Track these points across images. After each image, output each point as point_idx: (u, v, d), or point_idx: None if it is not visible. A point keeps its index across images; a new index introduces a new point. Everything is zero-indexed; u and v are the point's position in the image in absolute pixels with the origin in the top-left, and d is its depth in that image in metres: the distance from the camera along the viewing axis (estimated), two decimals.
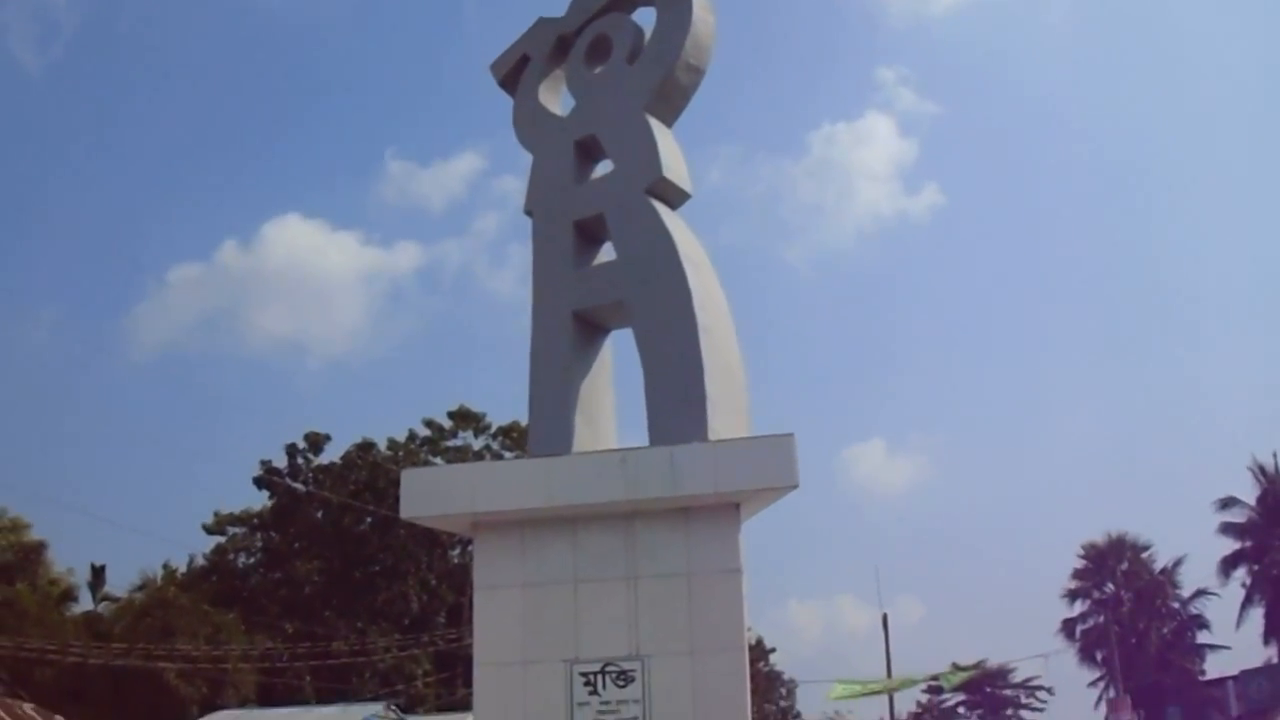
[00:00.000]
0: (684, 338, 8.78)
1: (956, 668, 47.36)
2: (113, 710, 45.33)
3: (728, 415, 8.95)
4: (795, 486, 8.30)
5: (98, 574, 57.85)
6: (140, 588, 56.79)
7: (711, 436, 8.52)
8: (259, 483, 60.55)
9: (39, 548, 55.55)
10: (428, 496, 8.73)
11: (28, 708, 29.74)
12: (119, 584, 58.15)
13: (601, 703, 8.08)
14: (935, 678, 50.74)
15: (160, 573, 60.08)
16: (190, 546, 63.70)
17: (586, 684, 8.15)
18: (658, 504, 8.40)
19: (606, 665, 8.18)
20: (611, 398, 9.94)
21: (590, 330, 9.45)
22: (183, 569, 62.08)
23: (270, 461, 60.38)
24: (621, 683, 8.10)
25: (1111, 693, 58.67)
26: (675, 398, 8.75)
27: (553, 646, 8.26)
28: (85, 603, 56.71)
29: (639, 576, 8.35)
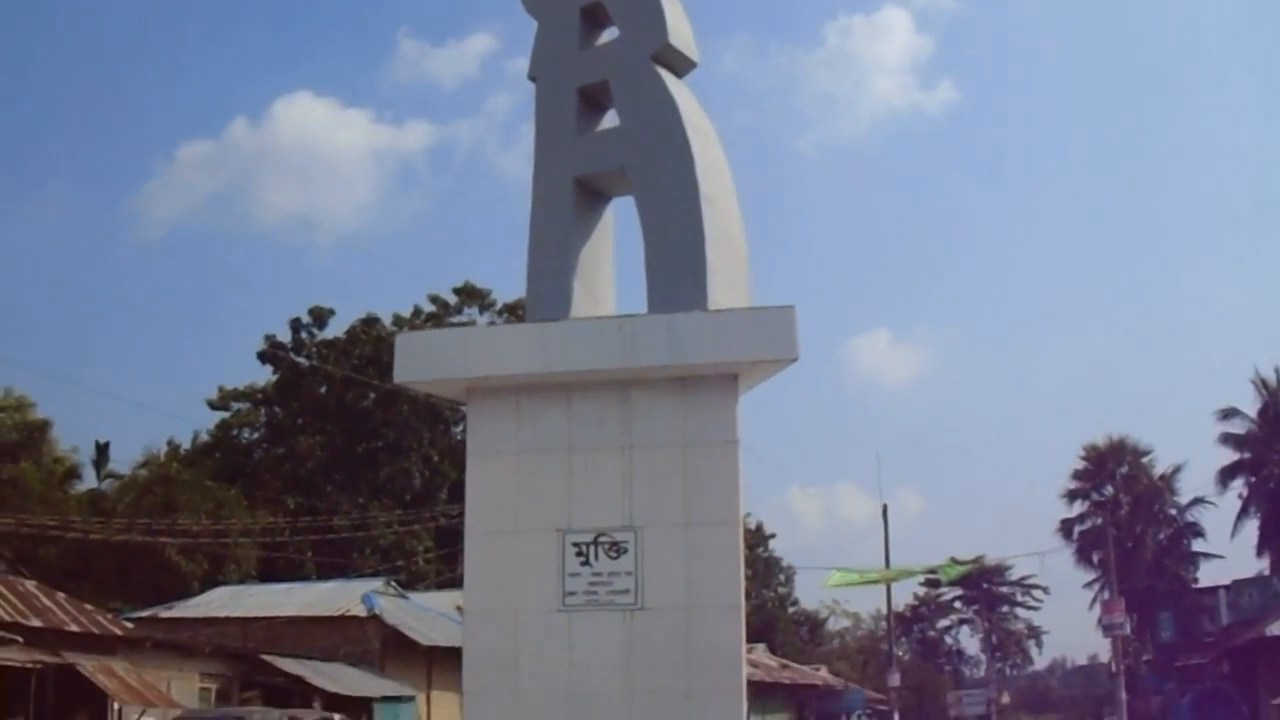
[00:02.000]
0: (686, 205, 8.52)
1: (954, 562, 47.70)
2: (115, 587, 45.69)
3: (728, 287, 8.73)
4: (795, 359, 8.11)
5: (102, 451, 57.99)
6: (144, 465, 56.98)
7: (711, 307, 8.30)
8: (263, 357, 60.53)
9: (43, 426, 55.64)
10: (421, 360, 8.55)
11: (30, 585, 29.88)
12: (124, 462, 58.38)
13: (593, 574, 7.97)
14: (933, 570, 51.15)
15: (164, 450, 60.31)
16: (196, 423, 63.94)
17: (579, 554, 8.03)
18: (655, 373, 8.21)
19: (599, 536, 8.06)
20: (611, 269, 9.71)
21: (591, 198, 9.19)
22: (187, 446, 62.33)
23: (275, 336, 60.28)
24: (614, 554, 7.98)
25: (1106, 594, 59.22)
26: (676, 266, 8.52)
27: (545, 515, 8.12)
28: (89, 481, 56.90)
29: (634, 446, 8.18)
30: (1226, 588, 48.08)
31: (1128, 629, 51.81)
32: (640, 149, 8.87)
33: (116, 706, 27.40)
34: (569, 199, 8.98)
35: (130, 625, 33.08)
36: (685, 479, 8.06)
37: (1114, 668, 51.85)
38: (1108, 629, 51.56)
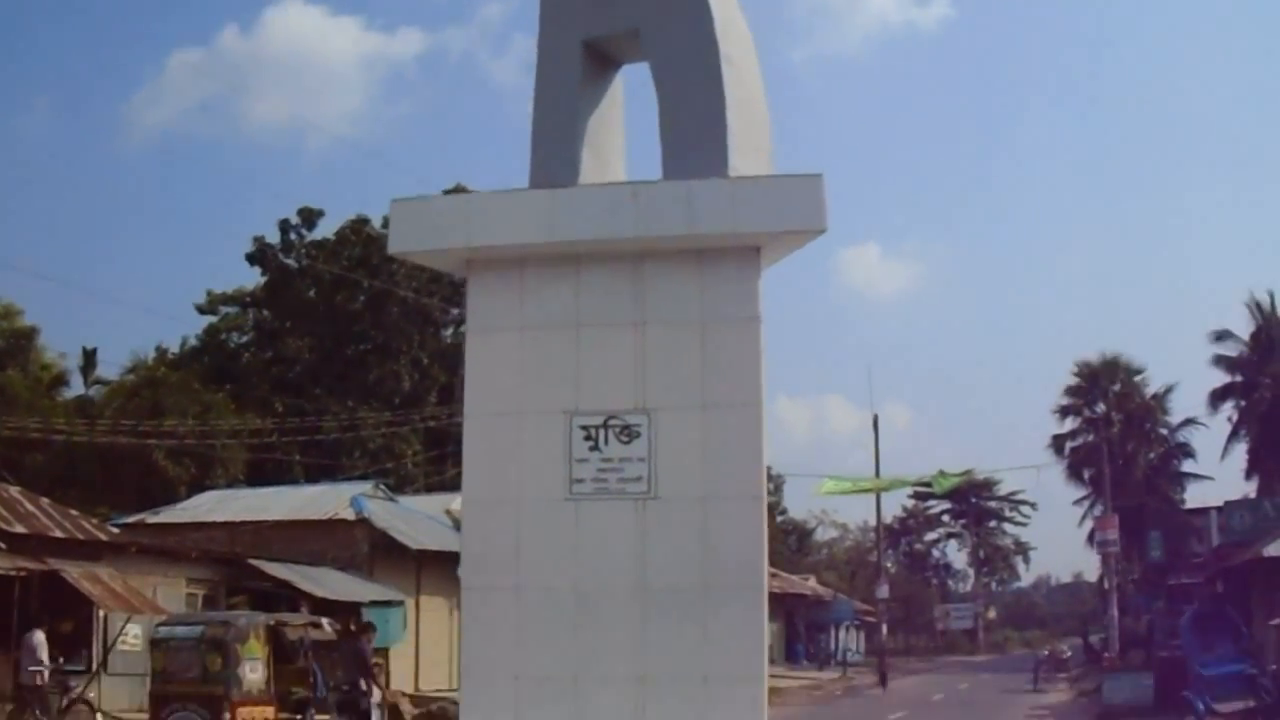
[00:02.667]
0: (705, 66, 7.79)
1: (944, 474, 47.47)
2: (102, 492, 45.42)
3: (750, 154, 8.03)
4: (823, 231, 7.45)
5: (89, 357, 57.51)
6: (131, 370, 56.46)
7: (732, 174, 7.60)
8: (251, 259, 59.77)
9: (30, 334, 55.09)
10: (418, 229, 7.84)
11: (14, 491, 29.39)
12: (113, 369, 57.89)
13: (603, 459, 7.33)
14: (926, 481, 50.90)
15: (152, 355, 59.76)
16: (185, 329, 63.40)
17: (587, 438, 7.39)
18: (671, 243, 7.52)
19: (609, 418, 7.40)
20: (622, 142, 8.99)
21: (601, 63, 8.44)
22: (176, 351, 61.77)
23: (264, 238, 59.45)
24: (625, 438, 7.34)
25: (1098, 510, 59.11)
26: (693, 131, 7.80)
27: (551, 396, 7.46)
28: (78, 388, 56.52)
29: (647, 322, 7.51)
30: (1218, 509, 48.13)
31: (1119, 546, 51.78)
32: (655, 8, 8.13)
33: (102, 614, 27.04)
34: (577, 63, 8.24)
35: (116, 531, 32.71)
36: (703, 358, 7.40)
37: (1105, 584, 51.92)
38: (1100, 545, 51.67)
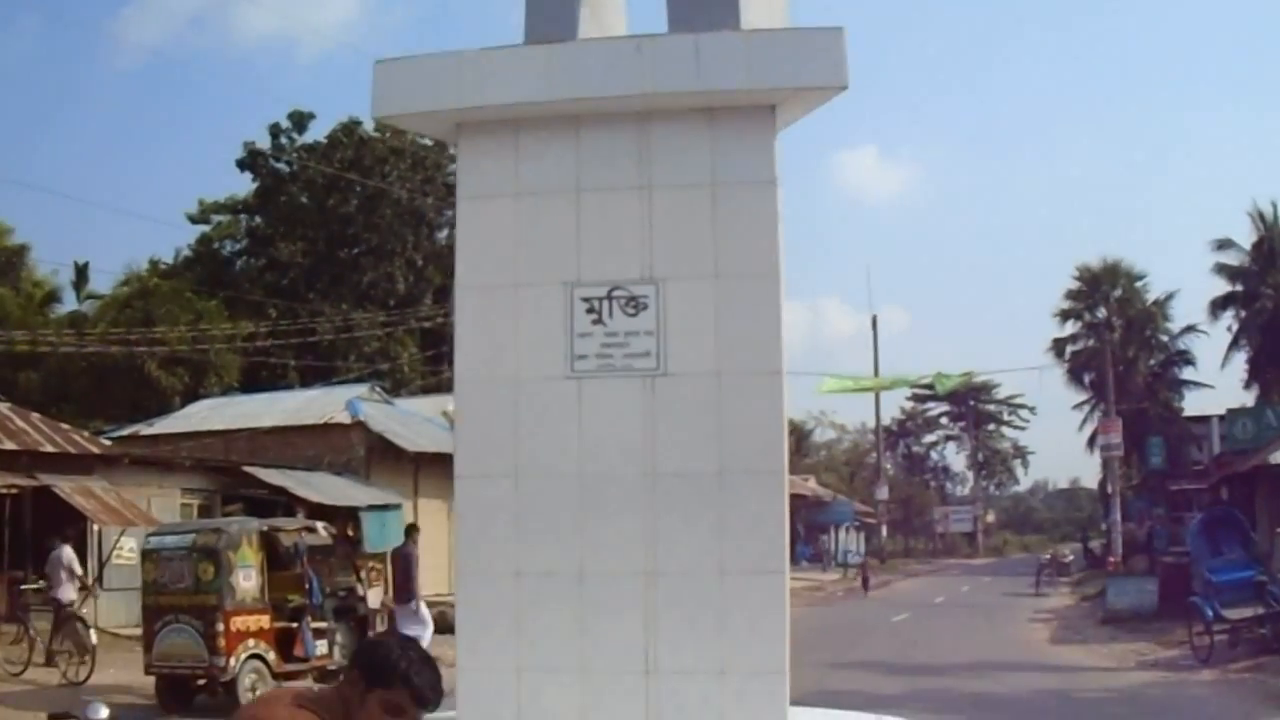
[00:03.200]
0: None
1: (944, 375, 47.06)
2: (96, 406, 45.10)
3: (763, 6, 7.37)
4: (844, 88, 6.78)
5: (81, 272, 57.06)
6: (125, 283, 55.90)
7: (745, 27, 6.92)
8: (242, 165, 58.93)
9: (20, 251, 54.63)
10: (405, 91, 7.14)
11: (3, 407, 28.96)
12: (106, 284, 57.38)
13: (607, 334, 6.73)
14: (928, 383, 50.47)
15: (146, 267, 59.21)
16: (181, 240, 62.77)
17: (590, 311, 6.78)
18: (678, 100, 6.85)
19: (614, 289, 6.79)
20: (622, 4, 8.32)
21: None
22: (170, 262, 61.18)
23: (254, 143, 58.58)
24: (631, 310, 6.73)
25: (1098, 415, 59.00)
26: None
27: (550, 267, 6.84)
28: (71, 304, 56.10)
29: (654, 186, 6.88)
30: (1220, 417, 47.93)
31: (1123, 450, 51.61)
32: None
33: (96, 528, 26.77)
34: None
35: (108, 444, 32.35)
36: (715, 224, 6.78)
37: (1109, 489, 51.82)
38: (1103, 449, 51.40)
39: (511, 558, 6.82)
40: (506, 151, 7.09)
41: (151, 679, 19.45)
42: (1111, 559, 48.15)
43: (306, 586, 20.68)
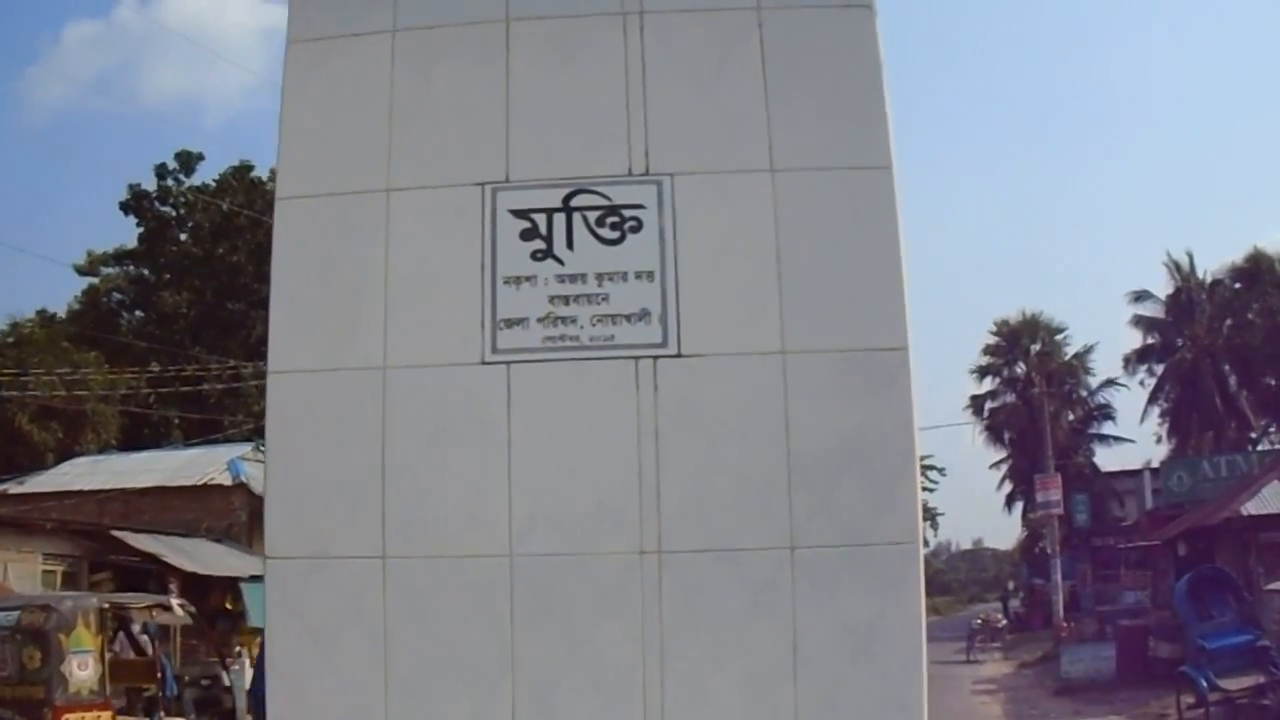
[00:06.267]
0: None
1: None
2: None
3: None
4: None
5: None
6: (11, 334, 53.04)
7: None
8: (125, 207, 55.52)
9: None
10: None
11: None
12: None
13: (563, 277, 3.45)
14: None
15: (32, 318, 56.45)
16: (72, 294, 59.64)
17: (529, 235, 3.48)
18: None
19: (577, 193, 3.47)
20: None
21: None
22: (62, 315, 58.52)
23: (140, 184, 55.28)
24: (613, 232, 3.49)
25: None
26: None
27: (452, 155, 3.57)
28: None
29: (647, 10, 3.68)
30: (1153, 470, 46.27)
31: (1062, 507, 49.67)
32: None
33: None
34: None
35: None
36: (766, 75, 3.53)
37: (1049, 549, 49.75)
38: (1043, 506, 49.24)
39: None
40: None
41: None
42: (1068, 624, 45.78)
43: (159, 675, 17.09)
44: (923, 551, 3.40)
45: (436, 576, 3.46)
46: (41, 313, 57.27)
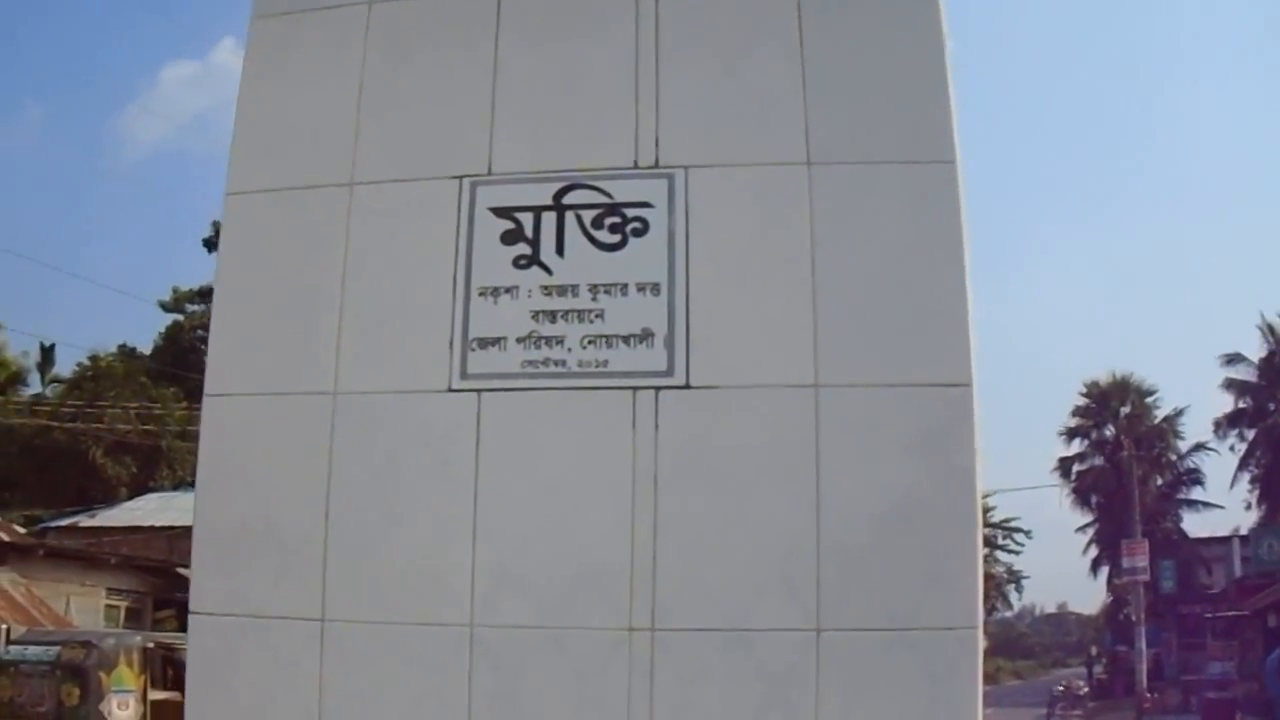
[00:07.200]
0: None
1: None
2: (38, 494, 42.17)
3: None
4: None
5: (47, 354, 54.69)
6: (90, 368, 53.63)
7: None
8: (209, 245, 56.18)
9: None
10: None
11: None
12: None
13: (548, 288, 2.86)
14: None
15: (115, 353, 57.06)
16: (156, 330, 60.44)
17: (511, 238, 2.87)
18: None
19: (569, 189, 2.87)
20: None
21: None
22: (144, 351, 59.11)
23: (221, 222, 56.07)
24: (610, 235, 2.87)
25: (1126, 537, 56.59)
26: None
27: (425, 144, 3.00)
28: (36, 386, 53.98)
29: None
30: (1242, 537, 44.98)
31: (1149, 574, 48.28)
32: None
33: (4, 626, 22.86)
34: None
35: (21, 531, 28.81)
36: (804, 48, 2.89)
37: (1134, 615, 48.33)
38: (1128, 573, 47.88)
39: None
40: None
41: None
42: (1150, 694, 44.32)
43: None
44: (982, 642, 2.70)
45: (383, 647, 2.84)
46: (122, 347, 57.93)
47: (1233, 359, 52.43)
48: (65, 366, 53.22)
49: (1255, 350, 51.72)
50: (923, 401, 2.81)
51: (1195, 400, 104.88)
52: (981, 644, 2.72)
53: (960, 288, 2.85)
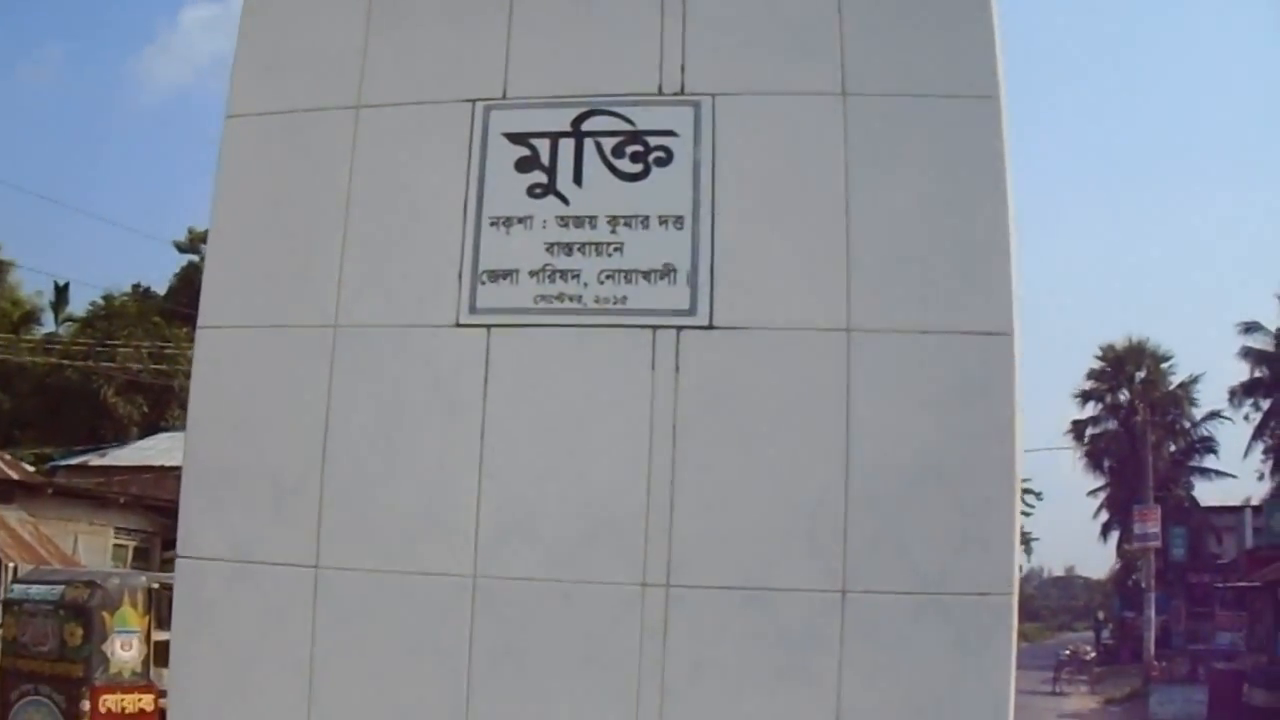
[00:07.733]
0: None
1: None
2: (49, 433, 42.27)
3: None
4: None
5: (61, 294, 54.65)
6: (103, 307, 53.62)
7: None
8: None
9: (3, 268, 52.63)
10: None
11: None
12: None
13: (565, 219, 2.65)
14: None
15: (128, 293, 56.98)
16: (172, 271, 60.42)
17: (526, 165, 2.66)
18: None
19: (588, 114, 2.66)
20: None
21: None
22: (159, 291, 59.08)
23: None
24: (632, 164, 2.66)
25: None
26: None
27: (433, 67, 2.79)
28: (50, 325, 54.03)
29: None
30: (1254, 507, 44.15)
31: (1160, 540, 48.11)
32: None
33: (11, 564, 22.92)
34: None
35: (30, 469, 28.76)
36: None
37: (1144, 582, 48.24)
38: (1140, 538, 47.69)
39: None
40: None
41: None
42: (1157, 663, 44.25)
43: None
44: (1016, 609, 2.53)
45: (380, 597, 2.69)
46: (136, 287, 57.82)
47: (1250, 327, 51.96)
48: (79, 306, 53.20)
49: (1273, 319, 50.98)
50: (961, 350, 2.63)
51: (1210, 367, 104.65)
52: (1015, 611, 2.55)
53: (1003, 232, 2.67)
